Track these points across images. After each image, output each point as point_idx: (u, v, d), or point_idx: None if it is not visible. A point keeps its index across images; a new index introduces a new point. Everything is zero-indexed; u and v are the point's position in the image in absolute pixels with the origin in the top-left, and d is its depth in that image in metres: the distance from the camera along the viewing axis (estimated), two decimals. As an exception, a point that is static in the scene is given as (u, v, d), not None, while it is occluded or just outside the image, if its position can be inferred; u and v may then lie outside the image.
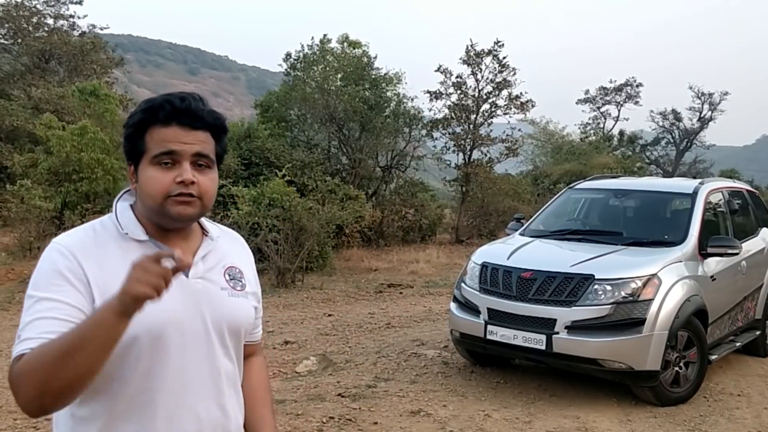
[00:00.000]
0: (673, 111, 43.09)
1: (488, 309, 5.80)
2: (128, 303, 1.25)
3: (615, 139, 40.04)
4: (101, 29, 24.73)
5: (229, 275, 1.61)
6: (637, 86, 41.88)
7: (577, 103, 42.49)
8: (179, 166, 1.45)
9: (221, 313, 1.56)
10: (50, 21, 22.89)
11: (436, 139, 21.06)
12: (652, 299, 5.36)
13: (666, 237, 6.29)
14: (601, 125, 41.91)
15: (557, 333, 5.38)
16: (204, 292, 1.54)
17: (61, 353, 1.27)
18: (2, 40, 22.39)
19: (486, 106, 20.74)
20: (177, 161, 1.45)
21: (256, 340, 1.79)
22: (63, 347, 1.27)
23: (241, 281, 1.63)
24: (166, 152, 1.45)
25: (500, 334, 5.65)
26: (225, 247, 1.65)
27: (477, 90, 20.61)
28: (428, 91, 20.72)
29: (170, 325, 1.46)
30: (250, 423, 1.70)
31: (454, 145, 20.52)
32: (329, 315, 9.18)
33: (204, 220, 1.63)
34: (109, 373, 1.39)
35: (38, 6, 22.33)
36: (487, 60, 20.49)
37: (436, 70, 20.81)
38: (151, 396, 1.44)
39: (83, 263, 1.42)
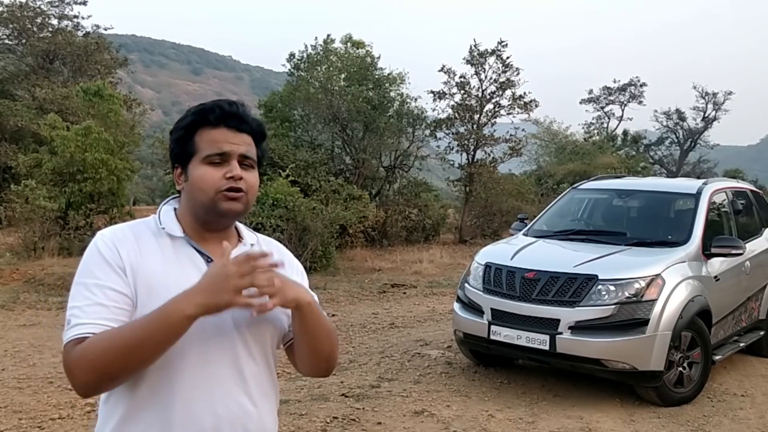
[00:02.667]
0: (677, 111, 43.01)
1: (492, 309, 5.80)
2: (210, 310, 1.40)
3: (619, 138, 39.98)
4: (105, 29, 24.71)
5: None
6: (640, 86, 41.88)
7: (580, 102, 42.47)
8: (228, 164, 1.57)
9: (243, 314, 1.58)
10: (54, 21, 22.91)
11: (440, 139, 21.07)
12: (656, 299, 5.36)
13: (669, 237, 6.28)
14: (605, 125, 41.87)
15: (561, 333, 5.38)
16: None
17: (127, 346, 1.39)
18: (7, 41, 22.42)
19: (489, 106, 20.74)
20: (226, 160, 1.57)
21: None
22: (129, 341, 1.39)
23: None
24: (218, 153, 1.57)
25: (504, 334, 5.65)
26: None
27: (480, 90, 20.61)
28: (432, 91, 20.72)
29: None
30: None
31: (458, 145, 20.51)
32: (333, 315, 9.18)
33: (242, 228, 1.73)
34: None
35: (42, 6, 22.34)
36: (491, 60, 20.49)
37: (439, 70, 20.82)
38: (170, 386, 1.50)
39: (121, 251, 1.52)
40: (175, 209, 1.65)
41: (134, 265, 1.51)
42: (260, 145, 1.66)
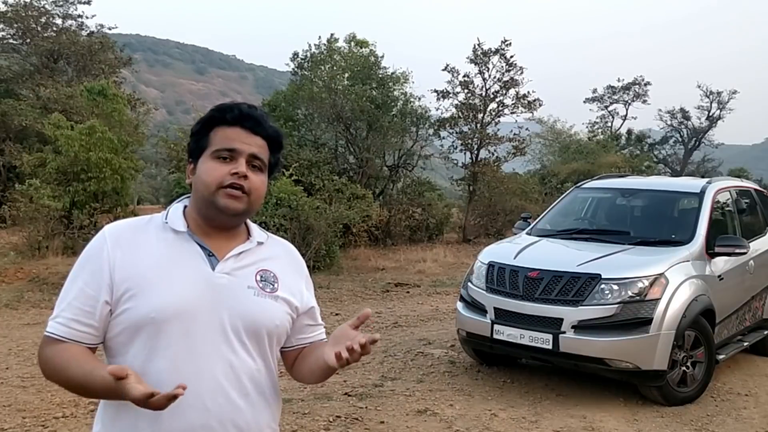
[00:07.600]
0: (682, 110, 42.82)
1: (495, 308, 5.81)
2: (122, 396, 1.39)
3: (623, 138, 39.88)
4: (109, 29, 24.68)
5: (261, 277, 1.66)
6: (645, 85, 41.65)
7: (584, 101, 42.27)
8: (235, 162, 1.60)
9: (240, 310, 1.60)
10: (59, 21, 22.90)
11: (444, 138, 21.02)
12: (659, 299, 5.35)
13: (673, 236, 6.27)
14: (609, 124, 41.73)
15: (564, 332, 5.38)
16: (226, 287, 1.60)
17: (71, 385, 1.52)
18: (11, 40, 22.43)
19: (493, 105, 20.71)
20: (234, 158, 1.60)
21: (315, 341, 1.83)
22: (73, 381, 1.51)
23: (273, 284, 1.67)
24: (228, 148, 1.60)
25: (507, 333, 5.65)
26: (268, 253, 1.72)
27: (484, 89, 20.59)
28: (435, 90, 20.71)
29: (182, 311, 1.52)
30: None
31: (462, 144, 20.49)
32: (336, 314, 9.19)
33: (253, 226, 1.74)
34: (123, 346, 1.55)
35: (47, 6, 22.37)
36: (495, 59, 20.47)
37: (443, 69, 20.81)
38: (158, 376, 1.51)
39: (111, 248, 1.57)
40: (185, 207, 1.68)
41: (123, 259, 1.56)
42: (275, 152, 1.69)
